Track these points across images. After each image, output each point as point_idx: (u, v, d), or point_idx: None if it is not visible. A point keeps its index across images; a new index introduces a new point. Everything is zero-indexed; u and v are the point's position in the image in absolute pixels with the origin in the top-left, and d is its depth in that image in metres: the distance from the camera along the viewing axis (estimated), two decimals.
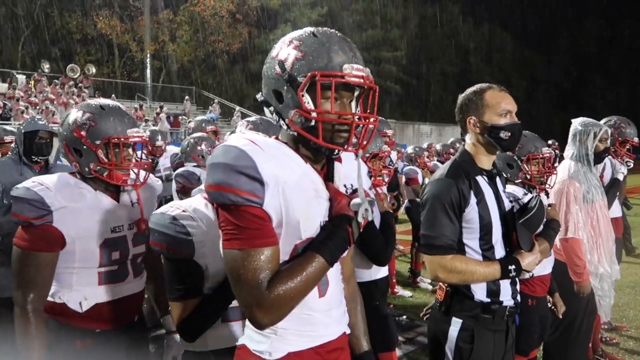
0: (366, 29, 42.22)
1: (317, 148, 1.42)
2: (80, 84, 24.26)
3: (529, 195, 3.04)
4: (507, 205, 2.33)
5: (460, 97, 2.36)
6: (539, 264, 2.31)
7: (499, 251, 2.25)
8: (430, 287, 6.80)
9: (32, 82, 23.01)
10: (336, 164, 1.55)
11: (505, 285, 2.24)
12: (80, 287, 2.16)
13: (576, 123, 3.70)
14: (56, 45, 33.75)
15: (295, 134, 1.44)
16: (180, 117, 24.78)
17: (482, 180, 2.25)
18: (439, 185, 2.21)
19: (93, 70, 27.79)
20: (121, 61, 36.63)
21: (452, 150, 8.30)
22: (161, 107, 24.33)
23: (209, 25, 35.02)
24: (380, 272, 3.29)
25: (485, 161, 2.31)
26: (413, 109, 43.41)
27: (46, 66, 25.73)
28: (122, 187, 2.30)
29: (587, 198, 3.50)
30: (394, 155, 7.28)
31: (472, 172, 2.24)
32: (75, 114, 2.25)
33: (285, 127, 1.47)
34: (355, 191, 1.54)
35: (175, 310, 1.82)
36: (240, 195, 1.32)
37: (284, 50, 1.45)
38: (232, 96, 35.00)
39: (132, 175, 2.29)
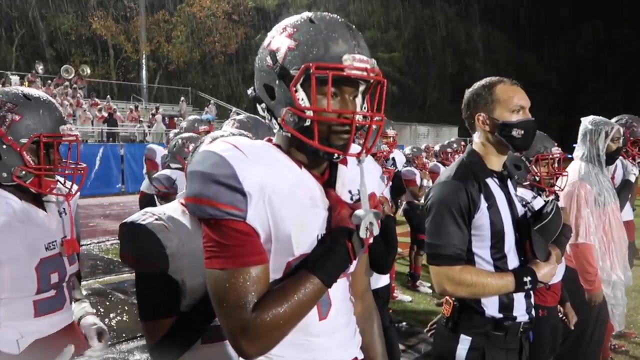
0: (362, 30, 42.01)
1: (314, 151, 1.22)
2: (75, 85, 24.03)
3: (539, 199, 2.84)
4: (520, 210, 2.12)
5: (468, 91, 2.15)
6: None
7: (512, 261, 2.04)
8: (430, 291, 6.62)
9: (26, 83, 22.74)
10: (340, 167, 1.35)
11: (519, 298, 2.03)
12: (12, 321, 1.78)
13: (586, 122, 3.50)
14: (51, 46, 33.46)
15: (289, 135, 1.24)
16: (176, 119, 24.57)
17: (492, 183, 2.04)
18: (445, 189, 2.00)
19: (88, 71, 27.51)
20: (116, 62, 36.35)
21: (449, 150, 8.13)
22: (157, 109, 24.18)
23: (205, 26, 34.81)
24: (381, 280, 3.10)
25: (496, 162, 2.10)
26: (410, 110, 43.19)
27: (40, 67, 25.45)
28: (45, 196, 1.91)
29: (599, 201, 3.30)
30: (400, 156, 6.86)
31: (482, 174, 2.04)
32: None
33: (277, 127, 1.27)
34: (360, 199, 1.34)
35: (147, 332, 1.62)
36: (219, 208, 1.15)
37: (277, 39, 1.26)
38: (228, 97, 34.77)
39: (60, 182, 1.93)
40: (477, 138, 2.12)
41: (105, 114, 20.99)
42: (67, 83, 23.68)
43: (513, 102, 2.02)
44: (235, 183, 1.15)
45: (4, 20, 32.00)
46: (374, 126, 1.26)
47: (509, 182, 2.14)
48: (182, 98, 28.17)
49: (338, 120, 1.21)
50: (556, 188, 3.02)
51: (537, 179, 2.94)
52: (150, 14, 33.93)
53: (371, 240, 1.26)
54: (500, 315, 2.01)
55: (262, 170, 1.19)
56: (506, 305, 2.01)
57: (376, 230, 1.22)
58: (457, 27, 47.51)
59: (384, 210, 3.02)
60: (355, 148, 1.28)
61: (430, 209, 2.02)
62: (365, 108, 1.31)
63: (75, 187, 1.96)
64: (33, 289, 1.81)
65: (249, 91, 1.35)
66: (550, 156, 2.93)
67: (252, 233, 1.18)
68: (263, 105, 1.30)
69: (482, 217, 1.97)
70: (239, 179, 1.15)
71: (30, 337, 1.81)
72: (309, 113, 1.19)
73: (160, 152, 6.05)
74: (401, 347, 4.74)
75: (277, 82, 1.24)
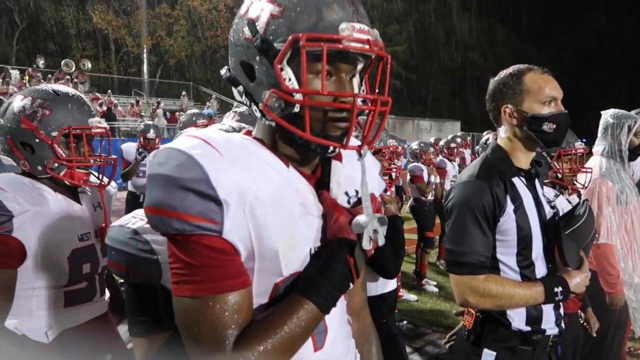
0: None
1: (304, 144, 1.00)
2: (75, 80, 23.86)
3: (561, 197, 2.65)
4: (548, 211, 1.93)
5: (493, 81, 1.94)
6: None
7: (540, 269, 1.85)
8: (436, 290, 6.45)
9: (27, 77, 22.61)
10: (334, 163, 1.14)
11: (548, 310, 1.85)
12: (42, 312, 1.83)
13: (607, 115, 3.31)
14: (51, 40, 33.29)
15: (273, 124, 1.02)
16: (177, 113, 24.41)
17: (519, 183, 1.85)
18: (468, 189, 1.81)
19: (88, 65, 27.40)
20: (117, 56, 36.19)
21: (453, 145, 7.97)
22: (158, 103, 24.09)
23: (207, 19, 34.57)
24: (389, 285, 2.91)
25: (523, 159, 1.91)
26: (412, 104, 43.02)
27: (41, 61, 25.30)
28: (79, 188, 1.99)
29: (621, 199, 3.11)
30: None
31: (508, 173, 1.84)
32: (21, 101, 1.90)
33: (259, 114, 1.04)
34: (360, 202, 1.12)
35: (138, 348, 1.45)
36: (187, 221, 0.93)
37: (256, 4, 1.02)
38: (230, 92, 34.39)
39: (94, 174, 2.02)
40: (502, 132, 1.92)
41: (106, 109, 20.84)
42: (67, 77, 23.51)
43: (544, 93, 1.83)
44: (207, 189, 0.93)
45: (5, 14, 31.84)
46: (379, 113, 1.03)
47: (537, 182, 1.96)
48: (184, 93, 28.02)
49: (335, 105, 0.99)
50: (579, 185, 2.84)
51: (559, 175, 2.76)
52: (151, 7, 33.70)
53: (372, 252, 1.06)
54: (528, 329, 1.83)
55: (241, 171, 0.97)
56: (534, 317, 1.83)
57: (381, 240, 1.03)
58: (460, 21, 47.34)
59: (391, 210, 2.84)
60: (352, 141, 1.06)
61: (451, 211, 1.83)
62: (364, 91, 1.09)
63: (105, 179, 2.03)
64: (65, 279, 1.85)
65: (223, 71, 1.10)
66: (574, 151, 2.74)
67: (230, 250, 0.96)
68: (240, 88, 1.07)
69: (508, 221, 1.78)
70: (212, 184, 0.94)
71: (58, 327, 1.85)
72: (298, 96, 0.97)
73: (131, 148, 6.09)
74: (407, 349, 4.58)
75: (257, 58, 1.01)
